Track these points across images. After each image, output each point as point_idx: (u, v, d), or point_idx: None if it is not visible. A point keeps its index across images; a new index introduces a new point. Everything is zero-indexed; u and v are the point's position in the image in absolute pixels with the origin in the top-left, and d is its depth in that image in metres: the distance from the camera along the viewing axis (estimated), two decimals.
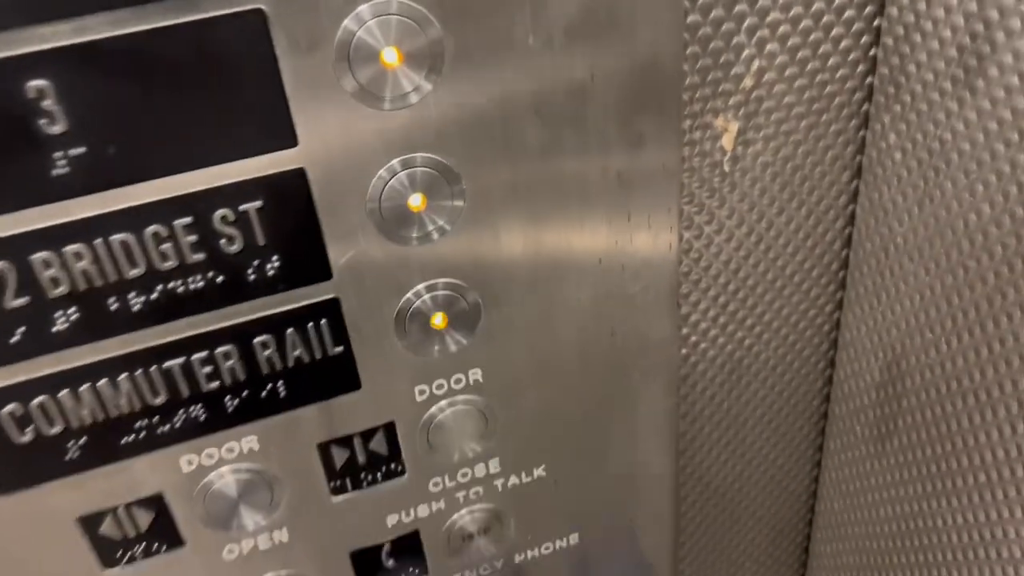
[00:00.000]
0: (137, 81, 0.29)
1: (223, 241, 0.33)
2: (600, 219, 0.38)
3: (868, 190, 0.44)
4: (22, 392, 0.33)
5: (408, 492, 0.43)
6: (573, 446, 0.46)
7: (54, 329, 0.32)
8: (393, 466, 0.42)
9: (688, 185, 0.41)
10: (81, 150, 0.29)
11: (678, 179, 0.39)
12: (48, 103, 0.28)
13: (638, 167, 0.37)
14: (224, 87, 0.30)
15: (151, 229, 0.32)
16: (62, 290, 0.32)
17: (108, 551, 0.39)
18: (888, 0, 0.39)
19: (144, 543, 0.39)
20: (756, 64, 0.39)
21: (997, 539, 0.41)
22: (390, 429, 0.41)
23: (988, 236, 0.37)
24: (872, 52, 0.41)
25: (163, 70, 0.29)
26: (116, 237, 0.31)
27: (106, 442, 0.36)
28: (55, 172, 0.29)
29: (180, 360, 0.35)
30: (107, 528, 0.38)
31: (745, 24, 0.38)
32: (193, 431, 0.37)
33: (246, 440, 0.38)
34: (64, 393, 0.34)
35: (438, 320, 0.38)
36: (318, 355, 0.37)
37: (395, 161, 0.34)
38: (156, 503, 0.38)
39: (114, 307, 0.33)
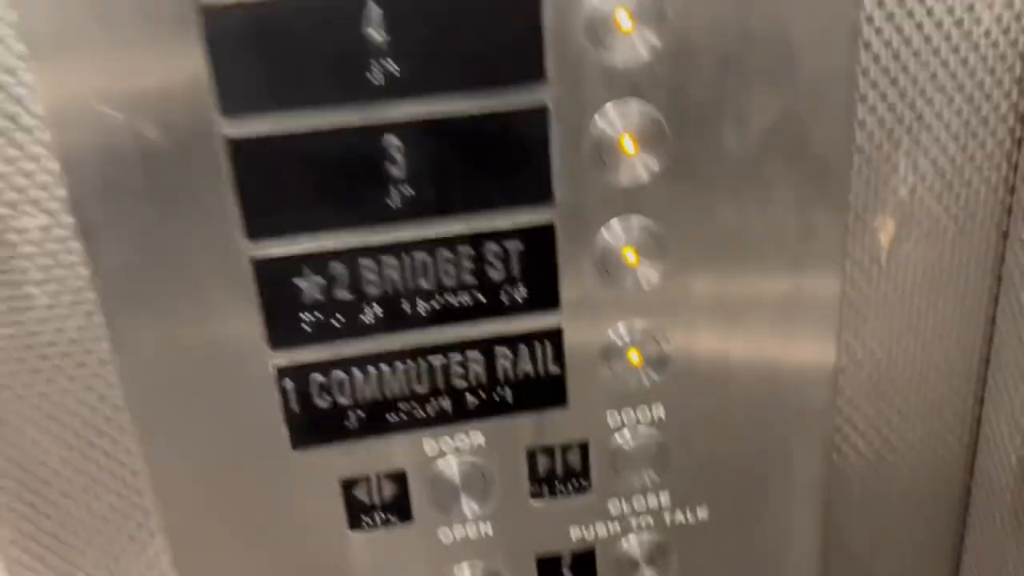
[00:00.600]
0: (456, 147, 0.42)
1: (489, 269, 0.44)
2: (774, 289, 0.47)
3: (1007, 292, 0.51)
4: (327, 367, 0.45)
5: (591, 508, 0.51)
6: (734, 495, 0.53)
7: (362, 320, 0.44)
8: (582, 481, 0.51)
9: (849, 273, 0.50)
10: (411, 191, 0.42)
11: (842, 264, 0.48)
12: (395, 154, 0.41)
13: (809, 252, 0.47)
14: (509, 157, 0.42)
15: (444, 253, 0.44)
16: (374, 291, 0.44)
17: (356, 514, 0.49)
18: None
19: (383, 513, 0.49)
20: (909, 180, 0.48)
21: None
22: (584, 447, 0.50)
23: None
24: (1010, 180, 0.49)
25: (474, 140, 0.42)
26: (419, 256, 0.44)
27: (378, 417, 0.47)
28: (390, 203, 0.42)
29: (442, 358, 0.46)
30: (360, 492, 0.48)
31: (902, 148, 0.47)
32: (439, 419, 0.47)
33: (474, 434, 0.48)
34: (356, 371, 0.45)
35: (635, 357, 0.48)
36: (540, 372, 0.47)
37: (615, 220, 0.45)
38: (400, 478, 0.48)
39: (406, 309, 0.44)
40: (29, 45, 0.36)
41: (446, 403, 0.47)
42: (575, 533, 0.52)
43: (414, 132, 0.41)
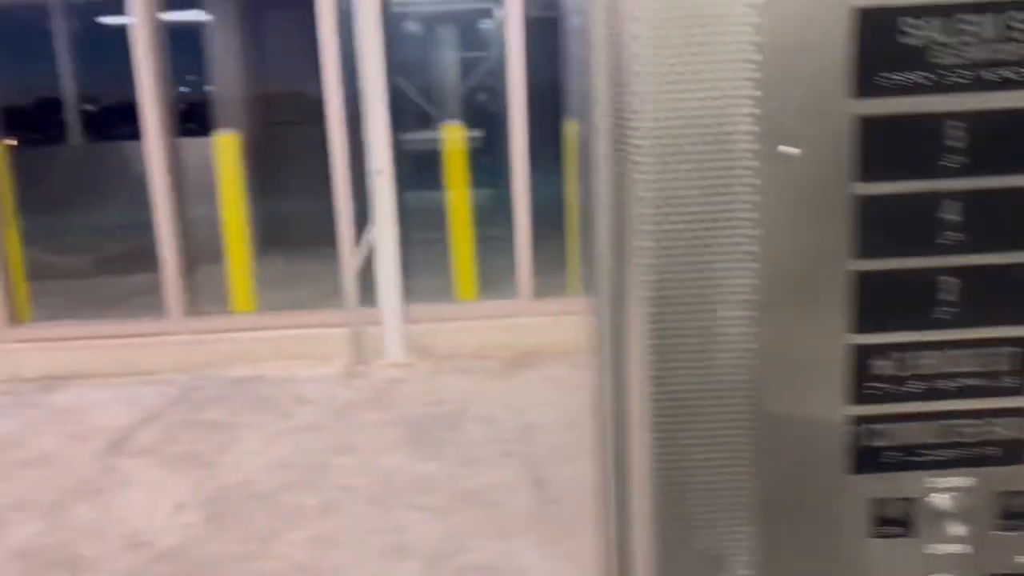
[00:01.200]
0: None
1: None
2: None
3: None
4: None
5: None
6: None
7: None
8: None
9: None
10: None
11: None
12: None
13: None
14: None
15: None
16: None
17: (879, 526, 0.70)
18: None
19: (896, 527, 0.70)
20: None
21: None
22: None
23: None
24: None
25: None
26: None
27: (923, 457, 0.69)
28: None
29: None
30: (885, 510, 0.70)
31: None
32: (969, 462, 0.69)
33: (969, 477, 0.69)
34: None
35: None
36: None
37: None
38: (914, 502, 0.70)
39: None
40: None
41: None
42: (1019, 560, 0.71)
43: None
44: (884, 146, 0.63)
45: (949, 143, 0.63)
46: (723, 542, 0.70)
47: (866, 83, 0.62)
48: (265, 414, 3.66)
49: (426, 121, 6.43)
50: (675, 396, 0.67)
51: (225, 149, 4.43)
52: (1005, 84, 0.62)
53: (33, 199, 4.83)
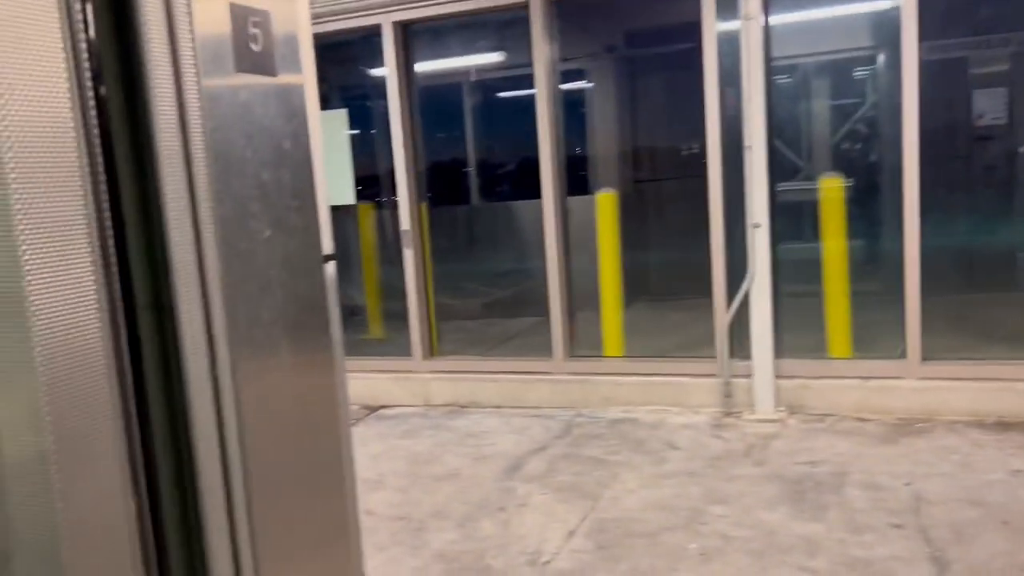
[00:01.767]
0: None
1: None
2: None
3: None
4: None
5: None
6: None
7: None
8: None
9: None
10: None
11: None
12: None
13: None
14: None
15: None
16: None
17: None
18: None
19: None
20: None
21: None
22: None
23: None
24: None
25: None
26: None
27: None
28: None
29: None
30: None
31: None
32: None
33: None
34: None
35: None
36: None
37: None
38: None
39: None
40: None
41: None
42: None
43: None
44: None
45: None
46: None
47: None
48: (639, 455, 3.83)
49: (795, 171, 6.32)
50: None
51: (605, 206, 4.78)
52: None
53: (439, 250, 5.62)
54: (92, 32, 0.72)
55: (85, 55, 0.71)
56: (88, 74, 0.71)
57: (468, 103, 6.98)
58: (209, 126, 0.80)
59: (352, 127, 5.11)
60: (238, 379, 0.83)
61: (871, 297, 4.72)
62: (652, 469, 3.66)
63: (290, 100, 0.91)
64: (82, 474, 0.69)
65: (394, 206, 5.11)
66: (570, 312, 4.79)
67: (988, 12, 5.41)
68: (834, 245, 4.38)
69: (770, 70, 4.26)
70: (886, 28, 4.66)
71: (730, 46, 4.19)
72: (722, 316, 4.35)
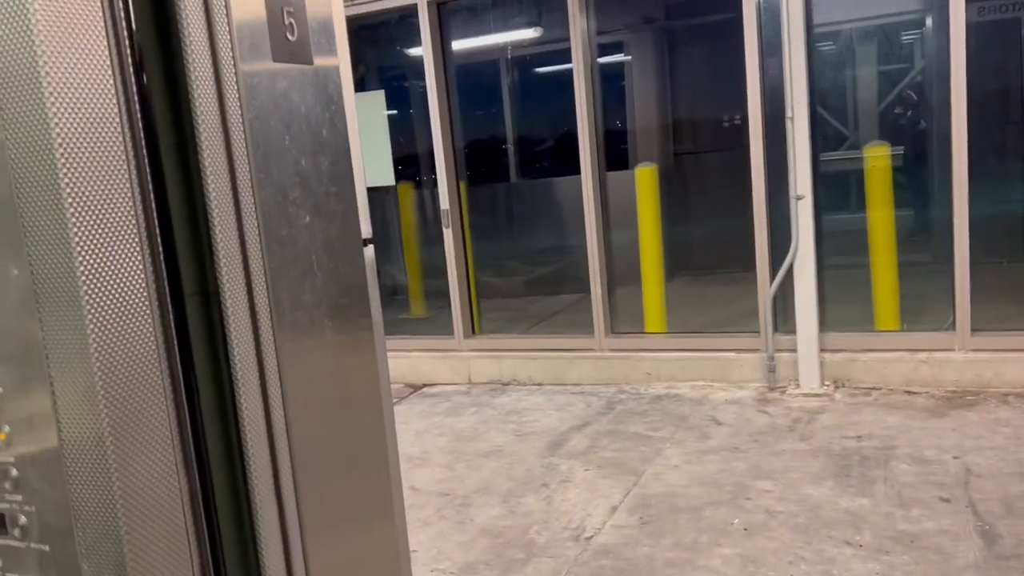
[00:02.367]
0: None
1: None
2: None
3: None
4: None
5: None
6: None
7: None
8: None
9: None
10: None
11: None
12: None
13: None
14: None
15: None
16: None
17: None
18: None
19: None
20: None
21: None
22: None
23: None
24: None
25: None
26: None
27: None
28: None
29: None
30: None
31: None
32: None
33: None
34: None
35: None
36: None
37: None
38: None
39: None
40: None
41: None
42: None
43: None
44: None
45: None
46: None
47: None
48: (683, 431, 3.83)
49: (839, 141, 6.19)
50: None
51: (644, 180, 4.75)
52: None
53: (479, 228, 5.63)
54: (134, 25, 0.74)
55: (128, 48, 0.73)
56: (131, 67, 0.73)
57: (505, 80, 6.96)
58: (249, 116, 0.82)
59: (390, 107, 5.14)
60: (282, 361, 0.85)
61: (919, 268, 4.63)
62: (696, 445, 3.66)
63: (326, 87, 0.93)
64: (137, 455, 0.72)
65: (434, 185, 5.14)
66: (611, 288, 4.78)
67: None
68: (881, 215, 4.30)
69: (812, 38, 4.17)
70: None
71: (771, 15, 4.11)
72: (765, 290, 4.30)
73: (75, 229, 0.68)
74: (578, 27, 4.50)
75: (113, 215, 0.70)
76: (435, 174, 5.04)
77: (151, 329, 0.73)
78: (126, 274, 0.71)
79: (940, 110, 4.20)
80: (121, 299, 0.71)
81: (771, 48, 4.14)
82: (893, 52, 6.43)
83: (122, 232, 0.71)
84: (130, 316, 0.71)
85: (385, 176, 5.06)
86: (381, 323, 1.05)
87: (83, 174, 0.68)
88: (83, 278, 0.68)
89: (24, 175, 0.68)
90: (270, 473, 0.85)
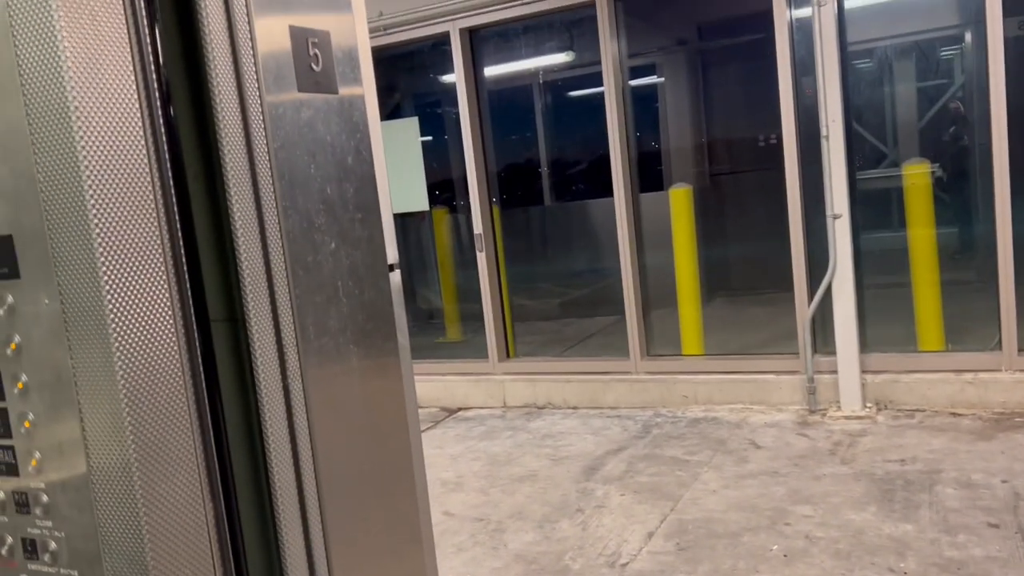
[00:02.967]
0: None
1: None
2: None
3: None
4: None
5: None
6: None
7: None
8: None
9: None
10: None
11: None
12: None
13: None
14: None
15: None
16: None
17: None
18: None
19: None
20: None
21: None
22: None
23: None
24: None
25: None
26: None
27: None
28: None
29: None
30: None
31: None
32: None
33: None
34: None
35: None
36: None
37: None
38: None
39: None
40: None
41: None
42: None
43: None
44: None
45: None
46: None
47: None
48: (721, 455, 3.77)
49: (879, 158, 6.11)
50: None
51: (679, 201, 4.72)
52: None
53: (513, 252, 5.64)
54: (161, 58, 0.76)
55: (155, 80, 0.75)
56: (158, 99, 0.75)
57: (538, 104, 7.00)
58: (274, 145, 0.83)
59: (425, 134, 5.19)
60: (308, 386, 0.86)
61: (962, 287, 4.52)
62: (734, 469, 3.60)
63: (351, 116, 0.94)
64: (163, 481, 0.72)
65: (468, 210, 5.17)
66: (646, 310, 4.74)
67: None
68: (922, 233, 4.22)
69: (846, 56, 4.13)
70: (969, 4, 4.46)
71: (803, 34, 4.08)
72: (804, 310, 4.24)
73: (103, 259, 0.69)
74: (609, 51, 4.51)
75: (140, 244, 0.72)
76: (469, 198, 5.07)
77: (177, 356, 0.74)
78: (153, 302, 0.72)
79: (980, 126, 4.12)
80: (148, 327, 0.72)
81: (805, 67, 4.11)
82: (931, 68, 6.34)
83: (149, 261, 0.72)
84: (156, 344, 0.72)
85: (419, 201, 5.10)
86: (408, 348, 1.05)
87: (111, 205, 0.70)
88: (110, 307, 0.69)
89: (54, 207, 0.69)
90: (296, 499, 0.85)
